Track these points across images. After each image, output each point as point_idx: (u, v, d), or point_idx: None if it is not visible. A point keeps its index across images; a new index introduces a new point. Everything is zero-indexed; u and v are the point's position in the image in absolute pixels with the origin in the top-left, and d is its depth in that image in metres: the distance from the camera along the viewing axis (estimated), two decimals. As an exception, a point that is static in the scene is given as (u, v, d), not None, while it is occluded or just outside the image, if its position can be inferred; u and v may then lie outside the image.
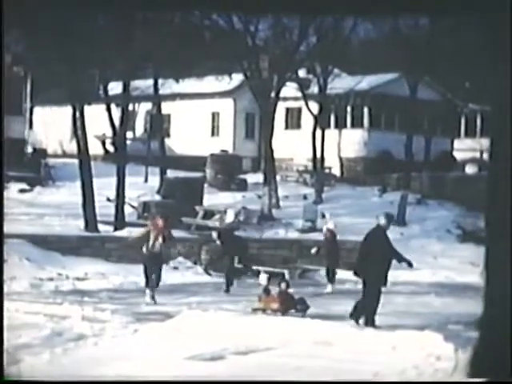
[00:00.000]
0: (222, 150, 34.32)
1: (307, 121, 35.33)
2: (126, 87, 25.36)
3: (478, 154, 37.10)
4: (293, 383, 7.16)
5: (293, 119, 37.81)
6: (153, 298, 14.81)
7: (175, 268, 20.05)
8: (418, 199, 30.49)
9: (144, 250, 15.21)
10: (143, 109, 37.74)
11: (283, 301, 13.06)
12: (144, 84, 31.30)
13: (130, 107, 31.19)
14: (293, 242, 22.69)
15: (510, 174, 5.24)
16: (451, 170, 34.39)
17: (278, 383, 7.11)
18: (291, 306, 13.07)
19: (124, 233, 21.98)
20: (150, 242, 15.09)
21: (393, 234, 26.97)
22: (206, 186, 29.17)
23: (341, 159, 35.97)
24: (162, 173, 30.33)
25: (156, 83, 31.41)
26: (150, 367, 8.36)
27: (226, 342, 9.66)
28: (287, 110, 37.18)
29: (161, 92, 32.17)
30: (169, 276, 18.25)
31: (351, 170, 35.56)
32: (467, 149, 37.21)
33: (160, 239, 15.12)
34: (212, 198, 28.40)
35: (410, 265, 12.31)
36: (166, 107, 34.35)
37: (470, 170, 34.78)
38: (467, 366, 5.71)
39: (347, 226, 26.93)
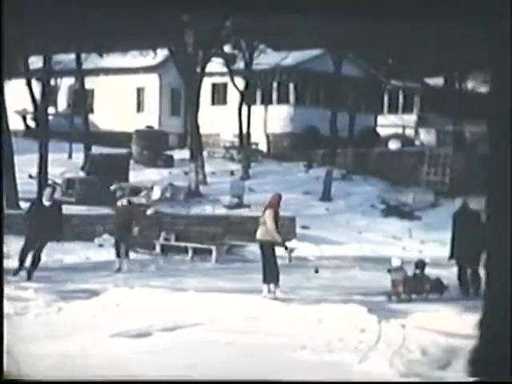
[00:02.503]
0: (148, 126, 33.95)
1: (233, 96, 35.26)
2: (46, 61, 24.72)
3: (400, 130, 37.81)
4: (287, 383, 7.15)
5: (219, 95, 37.68)
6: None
7: (100, 245, 19.79)
8: (343, 175, 30.89)
9: (258, 235, 12.81)
10: (66, 84, 36.95)
11: (413, 283, 12.44)
12: (67, 58, 30.57)
13: (52, 82, 30.46)
14: (220, 218, 22.70)
15: (509, 168, 5.20)
16: (375, 145, 34.93)
17: (274, 383, 7.09)
18: (423, 288, 12.49)
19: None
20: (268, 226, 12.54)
21: (318, 209, 27.54)
22: (131, 162, 28.86)
23: (267, 135, 36.09)
24: (87, 149, 29.83)
25: (79, 57, 30.76)
26: (75, 345, 8.24)
27: (153, 318, 9.61)
28: (213, 85, 37.01)
29: (84, 67, 31.54)
30: (94, 253, 18.05)
31: (277, 146, 35.74)
32: (390, 124, 37.84)
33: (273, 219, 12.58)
34: (138, 175, 28.13)
35: None
36: (90, 82, 33.72)
37: (393, 145, 35.40)
38: (467, 366, 5.76)
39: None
